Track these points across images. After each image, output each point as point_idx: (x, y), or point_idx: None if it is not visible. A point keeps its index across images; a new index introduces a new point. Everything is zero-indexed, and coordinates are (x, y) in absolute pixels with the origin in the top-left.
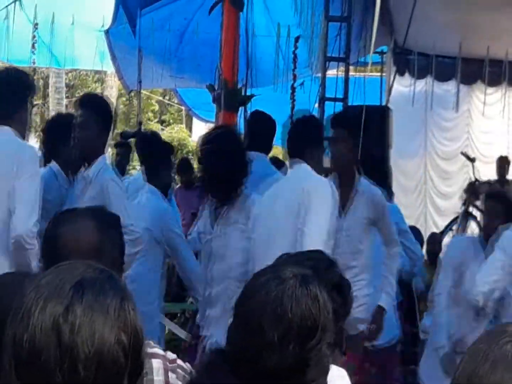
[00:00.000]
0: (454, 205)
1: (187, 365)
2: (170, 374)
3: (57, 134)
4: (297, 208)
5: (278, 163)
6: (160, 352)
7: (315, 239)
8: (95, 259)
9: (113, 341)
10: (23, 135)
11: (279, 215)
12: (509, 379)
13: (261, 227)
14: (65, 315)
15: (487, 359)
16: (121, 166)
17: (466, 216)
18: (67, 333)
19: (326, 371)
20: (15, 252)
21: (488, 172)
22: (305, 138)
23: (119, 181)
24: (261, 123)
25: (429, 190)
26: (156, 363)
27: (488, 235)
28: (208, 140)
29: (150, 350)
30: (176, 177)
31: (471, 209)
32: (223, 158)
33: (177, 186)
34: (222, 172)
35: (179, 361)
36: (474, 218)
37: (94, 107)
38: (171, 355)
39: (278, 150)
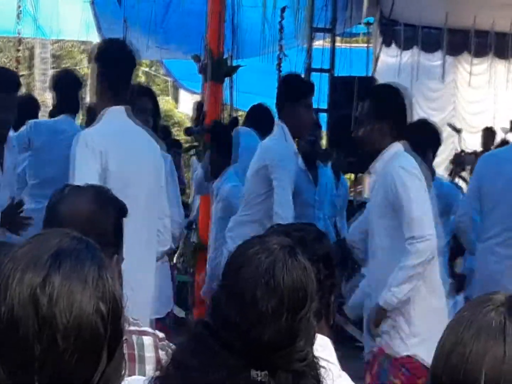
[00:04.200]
0: (439, 174)
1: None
2: (160, 351)
3: None
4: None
5: None
6: (150, 330)
7: None
8: (85, 231)
9: (92, 311)
10: None
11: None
12: (492, 346)
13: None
14: (42, 286)
15: (471, 326)
16: None
17: None
18: (45, 304)
19: (313, 341)
20: None
21: (474, 142)
22: None
23: None
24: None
25: None
26: (147, 340)
27: None
28: None
29: (140, 328)
30: None
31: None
32: None
33: None
34: None
35: (167, 341)
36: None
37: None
38: (160, 334)
39: None
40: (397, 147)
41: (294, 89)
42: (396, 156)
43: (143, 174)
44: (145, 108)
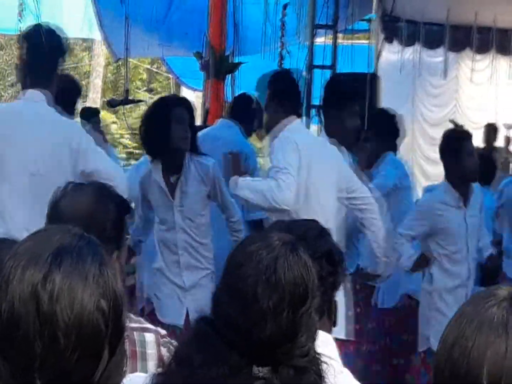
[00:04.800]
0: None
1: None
2: (161, 348)
3: None
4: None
5: None
6: (152, 327)
7: None
8: (85, 227)
9: (93, 308)
10: None
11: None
12: (494, 341)
13: None
14: (43, 284)
15: (473, 321)
16: None
17: None
18: (46, 301)
19: (314, 337)
20: None
21: (476, 138)
22: None
23: None
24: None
25: (417, 156)
26: (149, 337)
27: None
28: None
29: (142, 325)
30: None
31: None
32: None
33: None
34: None
35: (168, 338)
36: None
37: None
38: (162, 331)
39: None
40: (292, 121)
41: (338, 95)
42: (289, 129)
43: (28, 162)
44: (182, 118)
